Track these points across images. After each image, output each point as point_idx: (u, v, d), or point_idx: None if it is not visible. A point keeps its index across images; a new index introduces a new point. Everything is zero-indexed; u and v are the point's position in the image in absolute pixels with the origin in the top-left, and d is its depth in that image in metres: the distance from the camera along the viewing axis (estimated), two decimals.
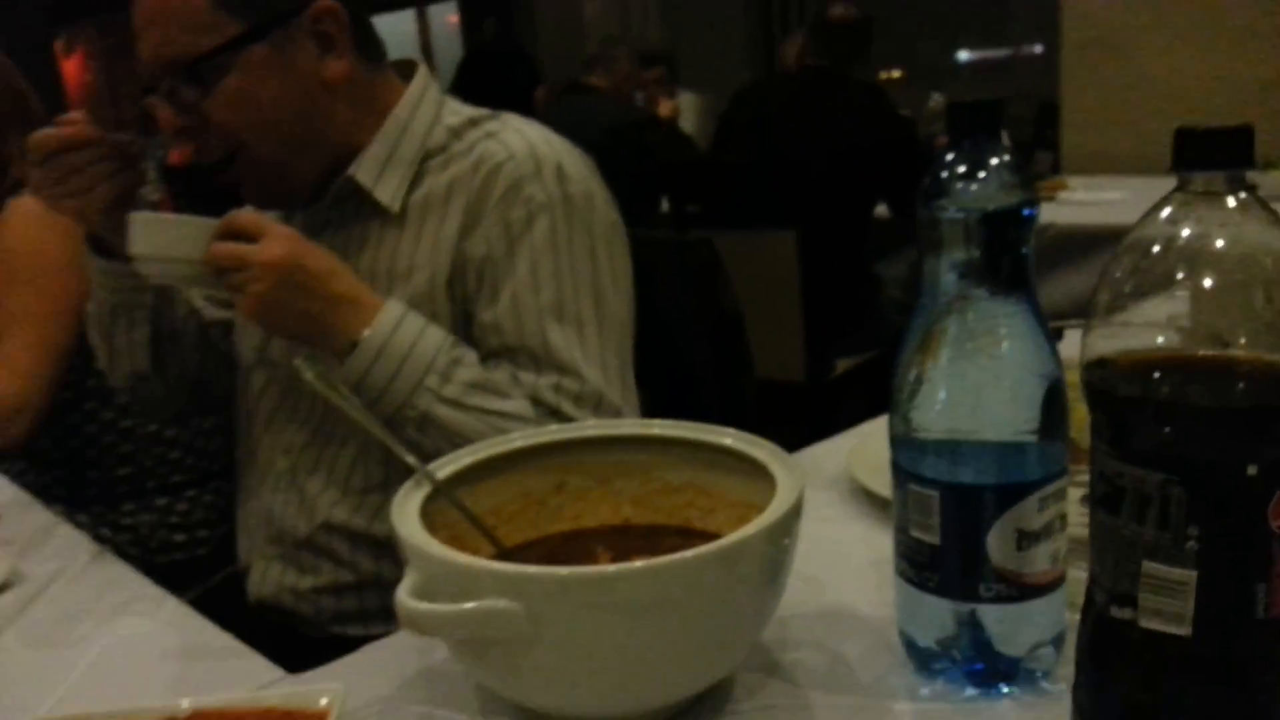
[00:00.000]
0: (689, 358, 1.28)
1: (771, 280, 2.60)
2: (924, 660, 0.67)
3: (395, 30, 9.29)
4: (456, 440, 0.92)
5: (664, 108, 4.02)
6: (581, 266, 1.08)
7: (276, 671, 0.76)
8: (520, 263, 1.06)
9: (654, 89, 4.23)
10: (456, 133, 1.13)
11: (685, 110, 4.60)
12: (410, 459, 0.71)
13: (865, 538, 0.90)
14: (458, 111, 1.16)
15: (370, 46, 1.12)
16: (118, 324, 1.18)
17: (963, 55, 6.87)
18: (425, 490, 0.69)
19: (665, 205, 3.15)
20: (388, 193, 1.10)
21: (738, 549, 0.60)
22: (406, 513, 0.65)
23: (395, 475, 1.07)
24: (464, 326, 1.10)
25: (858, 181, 2.83)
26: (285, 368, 1.17)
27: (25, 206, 1.49)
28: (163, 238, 1.00)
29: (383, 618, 1.08)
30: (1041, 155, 3.60)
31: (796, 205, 2.71)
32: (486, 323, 1.07)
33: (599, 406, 1.06)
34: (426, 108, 1.13)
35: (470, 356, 1.04)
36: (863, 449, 1.03)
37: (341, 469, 1.12)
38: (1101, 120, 3.56)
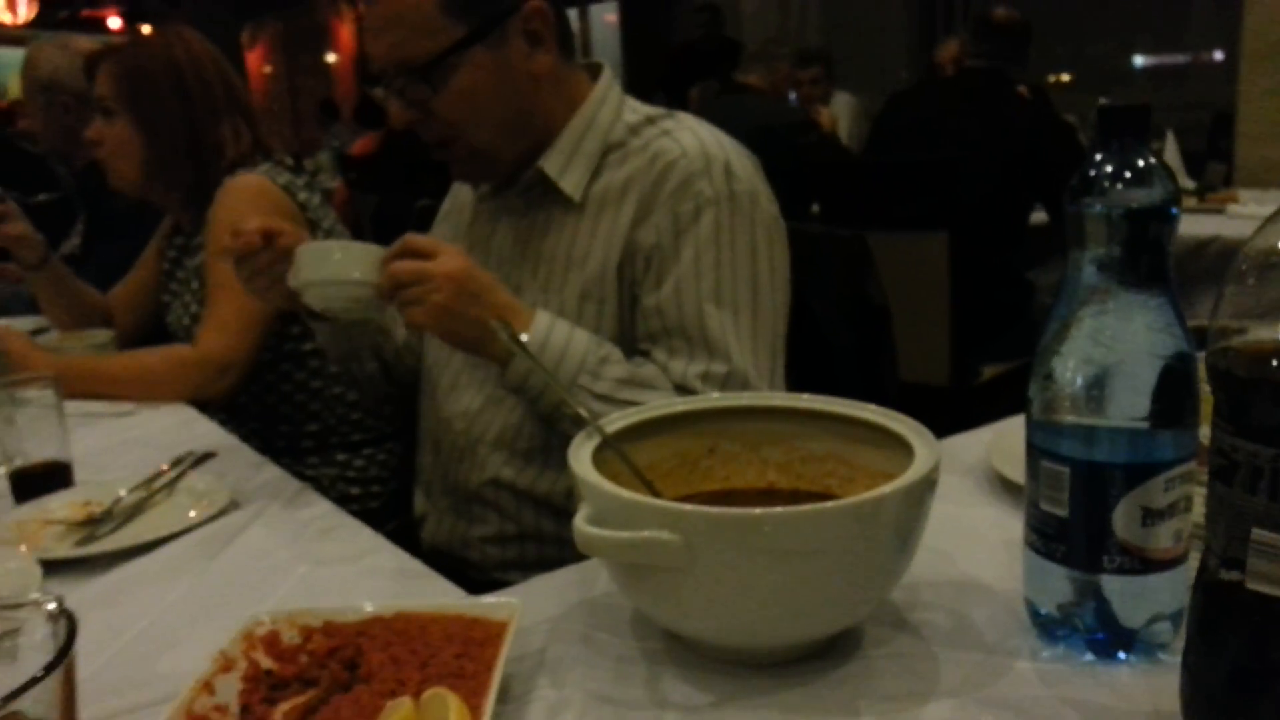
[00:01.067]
0: (835, 348, 1.34)
1: (921, 282, 2.61)
2: (1047, 627, 0.72)
3: None
4: None
5: (822, 118, 4.04)
6: (741, 259, 1.16)
7: (459, 593, 0.87)
8: (685, 252, 1.14)
9: (810, 89, 4.26)
10: (635, 130, 1.22)
11: (840, 111, 4.61)
12: (584, 413, 0.80)
13: (999, 521, 0.94)
14: (636, 110, 1.25)
15: (567, 42, 1.22)
16: (350, 367, 1.36)
17: (1138, 60, 6.60)
18: (595, 441, 0.78)
19: (816, 207, 3.19)
20: (571, 183, 1.20)
21: (873, 506, 0.66)
22: (581, 457, 0.74)
23: (555, 440, 1.18)
24: (630, 309, 1.19)
25: (1014, 185, 2.81)
26: None
27: (239, 184, 1.67)
28: (330, 263, 1.08)
29: (540, 568, 1.18)
30: (1214, 166, 3.46)
31: (950, 208, 2.71)
32: (649, 307, 1.16)
33: (744, 389, 1.13)
34: (610, 106, 1.23)
35: (616, 354, 1.13)
36: (1002, 440, 1.07)
37: (509, 433, 1.23)
38: (1279, 132, 3.40)
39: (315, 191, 1.77)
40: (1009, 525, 0.91)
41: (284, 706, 0.64)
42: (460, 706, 0.59)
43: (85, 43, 2.65)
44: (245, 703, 0.65)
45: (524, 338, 1.07)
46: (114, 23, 13.26)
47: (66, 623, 0.43)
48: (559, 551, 1.19)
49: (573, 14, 9.47)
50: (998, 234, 2.82)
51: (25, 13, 11.99)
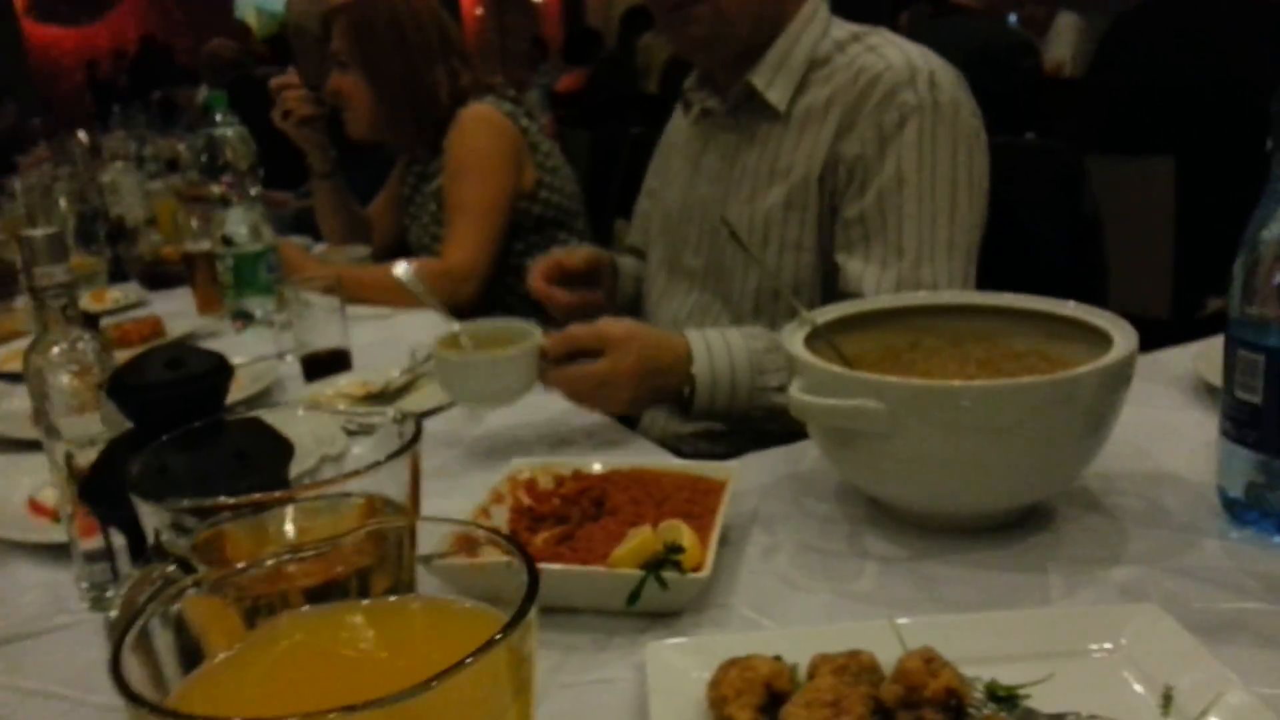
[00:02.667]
0: (1045, 264, 1.36)
1: (1145, 209, 2.50)
2: (1236, 510, 0.76)
3: None
4: None
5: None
6: (943, 167, 1.20)
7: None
8: (889, 162, 1.20)
9: (1033, 9, 4.08)
10: (841, 46, 1.28)
11: (1064, 32, 4.39)
12: (798, 306, 0.89)
13: (1200, 423, 0.96)
14: (843, 28, 1.31)
15: None
16: None
17: None
18: (806, 330, 0.87)
19: (1031, 135, 3.09)
20: (777, 94, 1.28)
21: (1070, 384, 0.72)
22: (795, 340, 0.83)
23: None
24: (829, 219, 1.26)
25: (1249, 107, 2.63)
26: (670, 250, 1.41)
27: (473, 113, 1.83)
28: (478, 383, 1.03)
29: None
30: None
31: (1178, 132, 2.58)
32: (852, 216, 1.22)
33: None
34: (818, 23, 1.30)
35: (769, 340, 1.14)
36: (1210, 351, 1.08)
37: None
38: None
39: (534, 120, 1.92)
40: (1210, 427, 0.93)
41: (544, 534, 0.78)
42: (691, 534, 0.71)
43: None
44: (513, 529, 0.79)
45: (694, 369, 1.09)
46: None
47: (413, 423, 0.56)
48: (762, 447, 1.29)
49: None
50: (1229, 160, 2.66)
51: None
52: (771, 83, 1.28)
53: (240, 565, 0.41)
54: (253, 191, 1.63)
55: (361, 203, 2.27)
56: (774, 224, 1.26)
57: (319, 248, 2.13)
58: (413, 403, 1.20)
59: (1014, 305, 0.90)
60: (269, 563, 0.42)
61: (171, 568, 0.46)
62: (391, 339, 1.58)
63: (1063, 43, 4.40)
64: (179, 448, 0.56)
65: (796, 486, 0.89)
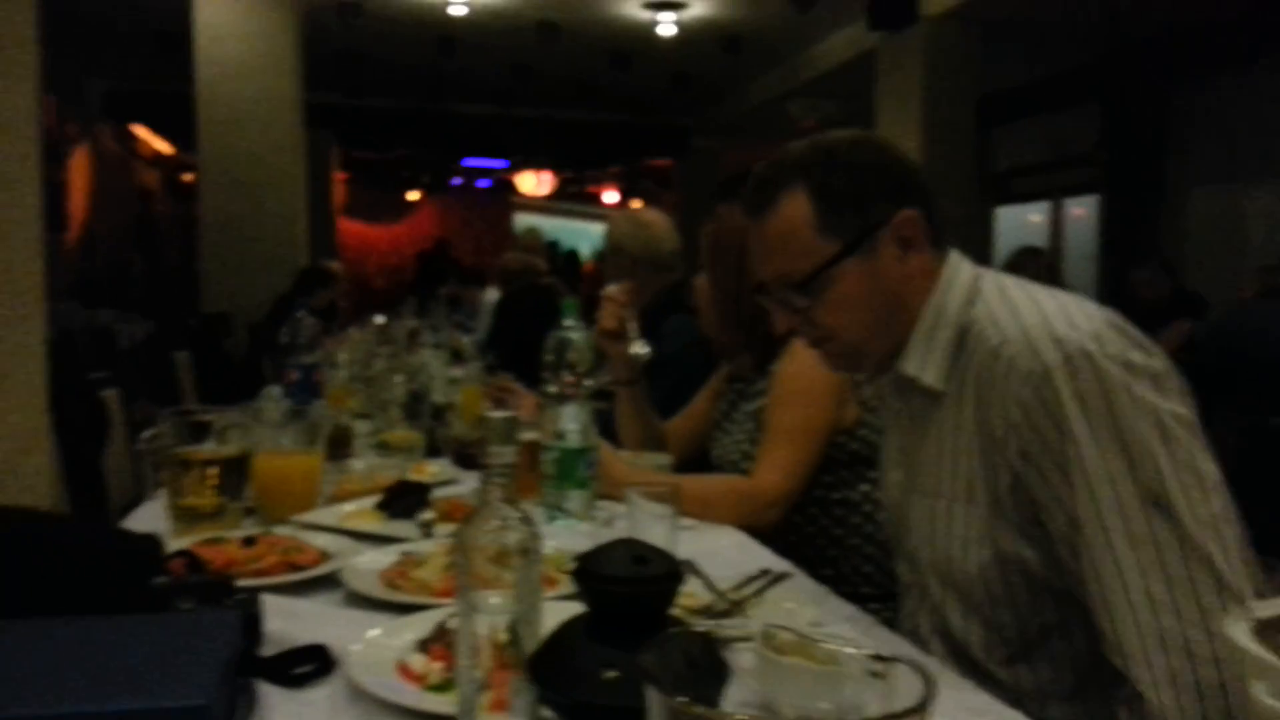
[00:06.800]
0: None
1: None
2: None
3: (1022, 221, 9.55)
4: None
5: None
6: (1145, 432, 1.05)
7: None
8: (1068, 444, 1.06)
9: None
10: (990, 312, 1.17)
11: None
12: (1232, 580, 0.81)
13: None
14: (1003, 288, 1.20)
15: (939, 236, 1.24)
16: None
17: None
18: (1251, 624, 0.78)
19: None
20: (932, 375, 1.21)
21: None
22: (1238, 633, 0.75)
23: (1026, 610, 1.18)
24: (1008, 494, 1.14)
25: None
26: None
27: (801, 344, 1.88)
28: (805, 693, 0.94)
29: None
30: None
31: None
32: (1060, 521, 1.09)
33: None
34: (958, 288, 1.21)
35: None
36: None
37: (967, 582, 1.22)
38: None
39: None
40: None
41: None
42: None
43: (649, 215, 3.15)
44: None
45: None
46: (610, 196, 15.39)
47: (927, 682, 0.53)
48: None
49: (1045, 205, 9.35)
50: None
51: (547, 188, 14.64)
52: (924, 365, 1.22)
53: None
54: (585, 393, 1.72)
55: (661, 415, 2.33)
56: (955, 521, 1.20)
57: (623, 453, 2.19)
58: (742, 627, 1.17)
59: None
60: None
61: None
62: (699, 552, 1.57)
63: None
64: (654, 648, 0.55)
65: None
